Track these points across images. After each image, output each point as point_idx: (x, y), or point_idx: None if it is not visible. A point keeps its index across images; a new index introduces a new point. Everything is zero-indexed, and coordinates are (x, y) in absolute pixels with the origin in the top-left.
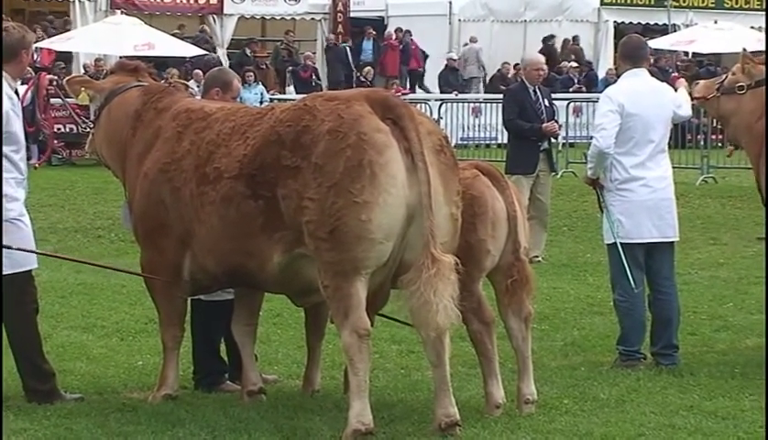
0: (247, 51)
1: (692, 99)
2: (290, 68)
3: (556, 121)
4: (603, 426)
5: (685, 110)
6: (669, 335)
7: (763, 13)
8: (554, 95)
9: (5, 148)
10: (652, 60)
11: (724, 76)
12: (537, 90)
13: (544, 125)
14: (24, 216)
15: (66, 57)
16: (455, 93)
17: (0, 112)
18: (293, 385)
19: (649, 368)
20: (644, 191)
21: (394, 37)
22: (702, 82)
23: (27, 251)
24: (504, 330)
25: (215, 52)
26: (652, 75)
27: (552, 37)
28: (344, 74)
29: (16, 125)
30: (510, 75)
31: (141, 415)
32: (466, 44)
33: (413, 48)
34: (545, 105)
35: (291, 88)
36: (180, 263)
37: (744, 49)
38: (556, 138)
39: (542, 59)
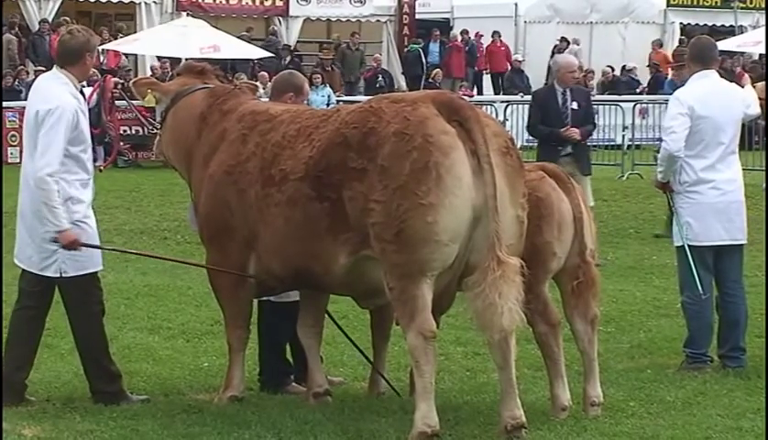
0: (285, 60)
1: None
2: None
3: (592, 124)
4: (669, 429)
5: (754, 109)
6: (736, 338)
7: None
8: (620, 97)
9: (74, 148)
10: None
11: None
12: (566, 92)
13: (563, 130)
14: (88, 218)
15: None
16: (521, 94)
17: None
18: (359, 387)
19: (716, 370)
20: (714, 193)
21: (459, 39)
22: (760, 83)
23: (120, 251)
24: (570, 332)
25: (280, 56)
26: (721, 76)
27: (661, 42)
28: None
29: (83, 124)
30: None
31: (207, 417)
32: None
33: (503, 49)
34: (572, 109)
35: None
36: (245, 265)
37: None
38: (578, 143)
39: (575, 61)
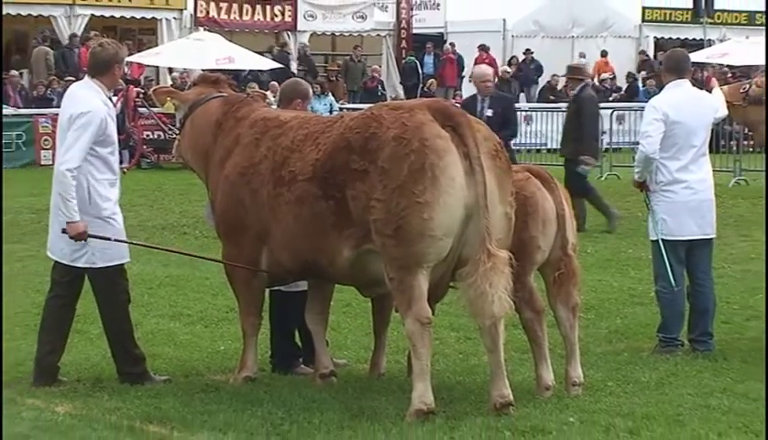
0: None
1: None
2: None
3: (510, 130)
4: (644, 406)
5: (722, 112)
6: (705, 324)
7: None
8: (599, 105)
9: (102, 150)
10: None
11: (748, 85)
12: (485, 100)
13: None
14: (116, 215)
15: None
16: None
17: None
18: (361, 369)
19: (686, 353)
20: (687, 192)
21: (451, 51)
22: (726, 86)
23: (142, 245)
24: (553, 319)
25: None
26: (693, 85)
27: (584, 55)
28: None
29: (111, 128)
30: (558, 87)
31: (223, 395)
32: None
33: (488, 61)
34: (487, 115)
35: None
36: (257, 258)
37: None
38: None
39: (489, 71)
